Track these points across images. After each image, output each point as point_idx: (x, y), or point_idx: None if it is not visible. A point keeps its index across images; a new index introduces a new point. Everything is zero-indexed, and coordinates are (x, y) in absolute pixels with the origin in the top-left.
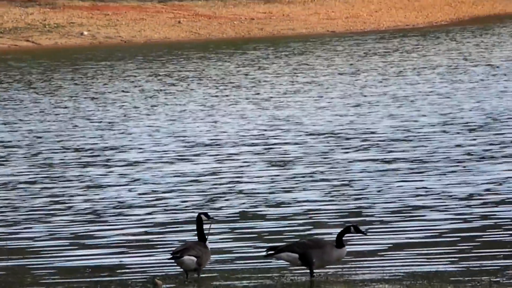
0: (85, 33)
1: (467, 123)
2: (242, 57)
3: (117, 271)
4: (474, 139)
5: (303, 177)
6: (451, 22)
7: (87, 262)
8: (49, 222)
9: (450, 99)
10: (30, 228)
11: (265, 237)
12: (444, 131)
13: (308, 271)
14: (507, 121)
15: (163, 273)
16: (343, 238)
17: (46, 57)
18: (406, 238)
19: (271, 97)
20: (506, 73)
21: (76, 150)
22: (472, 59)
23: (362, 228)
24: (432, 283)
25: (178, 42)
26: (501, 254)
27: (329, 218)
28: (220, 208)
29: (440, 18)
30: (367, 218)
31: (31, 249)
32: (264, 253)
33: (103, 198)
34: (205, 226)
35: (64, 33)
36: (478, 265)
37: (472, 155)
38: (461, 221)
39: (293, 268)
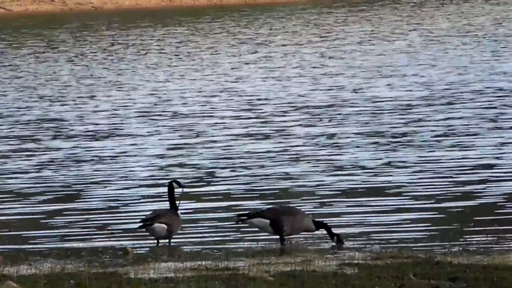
0: None
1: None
2: (206, 25)
3: (88, 239)
4: (453, 114)
5: (280, 149)
6: None
7: (58, 230)
8: (17, 189)
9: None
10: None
11: (237, 204)
12: (421, 104)
13: (278, 237)
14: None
15: (135, 241)
16: (322, 228)
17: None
18: (378, 208)
19: (224, 68)
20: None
21: (43, 121)
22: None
23: (344, 239)
24: (403, 250)
25: (149, 9)
26: (471, 224)
27: (304, 189)
28: (192, 176)
29: None
30: (341, 188)
31: (1, 217)
32: (236, 219)
33: (73, 169)
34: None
35: None
36: (449, 234)
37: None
38: (434, 191)
39: (264, 235)
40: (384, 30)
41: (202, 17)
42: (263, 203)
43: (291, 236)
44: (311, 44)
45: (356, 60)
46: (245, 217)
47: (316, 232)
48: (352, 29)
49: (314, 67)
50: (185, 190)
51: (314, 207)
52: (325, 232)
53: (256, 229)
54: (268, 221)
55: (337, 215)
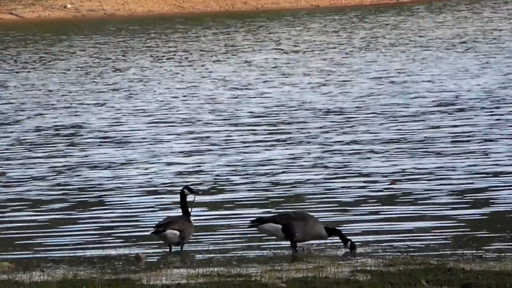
0: (69, 6)
1: (452, 103)
2: (222, 31)
3: (101, 246)
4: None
5: (293, 156)
6: None
7: (70, 238)
8: (30, 196)
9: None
10: (12, 204)
11: (249, 211)
12: (435, 111)
13: (290, 244)
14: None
15: (147, 248)
16: (334, 235)
17: (28, 30)
18: (390, 215)
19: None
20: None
21: (55, 129)
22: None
23: (357, 245)
24: (415, 257)
25: (162, 15)
26: (484, 230)
27: (316, 196)
28: (204, 183)
29: None
30: (354, 195)
31: (14, 224)
32: (248, 224)
33: (85, 176)
34: (189, 199)
35: (47, 6)
36: (461, 240)
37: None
38: (446, 198)
39: (276, 242)
40: (395, 36)
41: (214, 24)
42: (276, 210)
43: (303, 243)
44: (326, 50)
45: (368, 66)
46: (257, 223)
47: (329, 239)
48: (361, 35)
49: (326, 74)
50: (197, 196)
51: (327, 214)
52: (337, 238)
53: (268, 235)
54: (280, 226)
55: (350, 222)
